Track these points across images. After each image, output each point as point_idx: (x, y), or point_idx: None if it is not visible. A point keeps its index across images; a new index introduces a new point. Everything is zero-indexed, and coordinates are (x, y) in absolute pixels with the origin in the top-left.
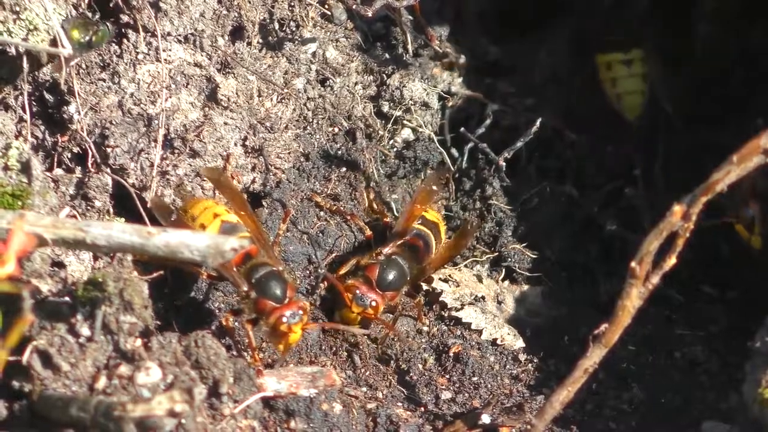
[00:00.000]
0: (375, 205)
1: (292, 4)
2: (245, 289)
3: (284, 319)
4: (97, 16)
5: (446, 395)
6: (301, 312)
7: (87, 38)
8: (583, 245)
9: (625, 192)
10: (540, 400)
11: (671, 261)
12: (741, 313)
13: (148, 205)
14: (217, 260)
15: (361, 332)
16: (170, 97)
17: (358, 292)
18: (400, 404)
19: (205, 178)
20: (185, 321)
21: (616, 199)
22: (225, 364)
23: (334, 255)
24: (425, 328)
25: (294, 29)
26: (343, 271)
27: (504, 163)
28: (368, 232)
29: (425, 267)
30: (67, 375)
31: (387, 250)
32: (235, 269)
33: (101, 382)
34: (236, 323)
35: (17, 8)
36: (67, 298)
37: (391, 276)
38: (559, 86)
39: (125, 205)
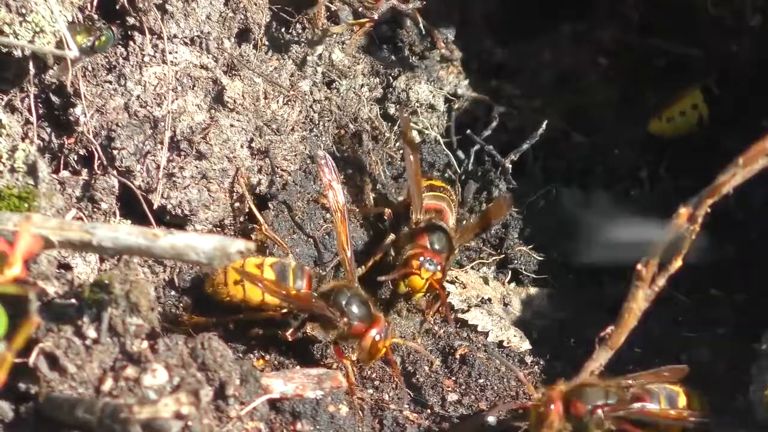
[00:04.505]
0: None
1: (298, 5)
2: (342, 321)
3: (377, 337)
4: (101, 21)
5: (452, 397)
6: (386, 325)
7: (89, 44)
8: None
9: (631, 194)
10: None
11: (677, 263)
12: (747, 315)
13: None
14: (223, 262)
15: (429, 356)
16: (176, 99)
17: (423, 257)
18: (406, 406)
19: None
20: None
21: (622, 201)
22: (231, 366)
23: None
24: (435, 328)
25: (300, 31)
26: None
27: (510, 165)
28: (387, 211)
29: (456, 232)
30: (74, 377)
31: (421, 217)
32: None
33: (107, 384)
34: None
35: (23, 10)
36: (73, 300)
37: (440, 238)
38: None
39: (132, 208)
